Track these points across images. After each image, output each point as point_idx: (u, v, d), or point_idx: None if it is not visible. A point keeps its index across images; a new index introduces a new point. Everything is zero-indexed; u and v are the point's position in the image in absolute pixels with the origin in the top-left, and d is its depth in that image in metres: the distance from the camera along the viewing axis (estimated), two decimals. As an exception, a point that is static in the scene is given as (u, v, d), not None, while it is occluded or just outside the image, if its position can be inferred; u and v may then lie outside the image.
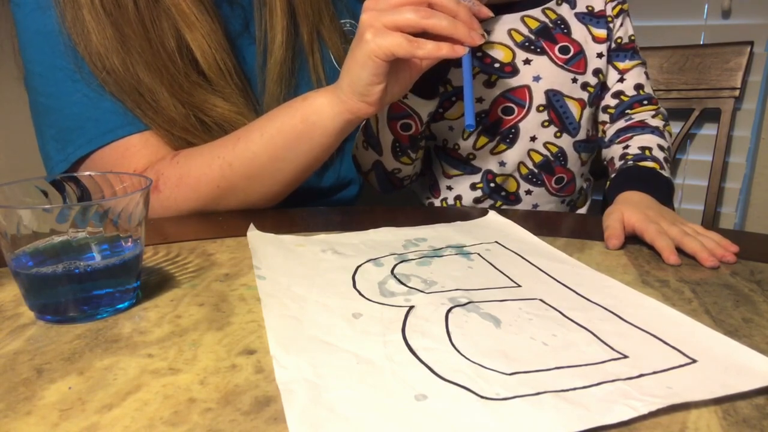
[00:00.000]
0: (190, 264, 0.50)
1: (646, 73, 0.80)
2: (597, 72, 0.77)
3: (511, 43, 0.74)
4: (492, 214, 0.65)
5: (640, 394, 0.31)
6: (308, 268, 0.49)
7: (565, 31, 0.76)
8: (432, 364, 0.34)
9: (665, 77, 1.07)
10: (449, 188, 0.82)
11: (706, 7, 1.10)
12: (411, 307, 0.41)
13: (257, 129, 0.63)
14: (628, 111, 0.78)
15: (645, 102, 0.78)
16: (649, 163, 0.69)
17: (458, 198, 0.82)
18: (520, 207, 0.80)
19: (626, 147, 0.74)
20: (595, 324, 0.39)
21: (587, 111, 0.78)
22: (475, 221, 0.64)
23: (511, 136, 0.76)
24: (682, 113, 1.07)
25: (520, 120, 0.76)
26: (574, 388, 0.31)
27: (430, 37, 0.57)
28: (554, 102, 0.75)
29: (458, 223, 0.63)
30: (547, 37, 0.75)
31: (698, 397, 0.31)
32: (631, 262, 0.52)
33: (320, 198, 0.81)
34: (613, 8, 0.77)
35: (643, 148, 0.72)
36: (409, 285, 0.46)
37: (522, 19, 0.75)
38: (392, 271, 0.48)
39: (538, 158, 0.78)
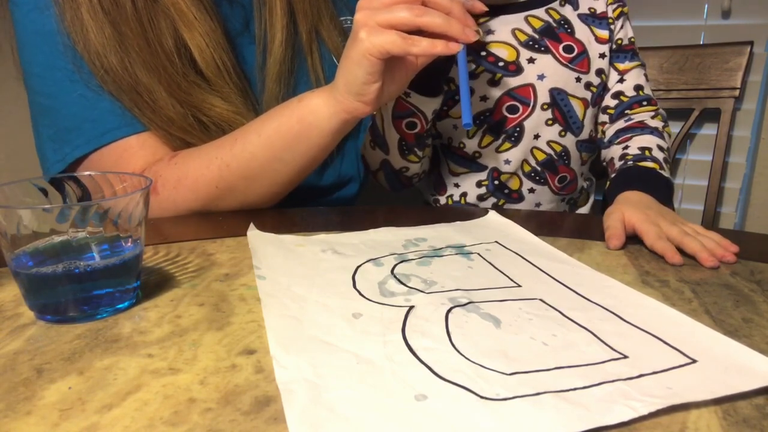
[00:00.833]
0: (190, 264, 0.50)
1: (645, 75, 0.80)
2: (600, 72, 0.77)
3: (515, 42, 0.75)
4: (492, 214, 0.65)
5: (640, 395, 0.31)
6: (308, 268, 0.49)
7: (569, 30, 0.76)
8: (432, 364, 0.34)
9: (665, 77, 1.07)
10: (456, 185, 0.82)
11: (706, 7, 1.10)
12: (411, 307, 0.41)
13: (255, 130, 0.64)
14: (627, 111, 0.78)
15: (644, 103, 0.78)
16: (649, 164, 0.70)
17: (464, 195, 0.82)
18: (522, 205, 0.81)
19: (626, 147, 0.74)
20: (595, 324, 0.39)
21: (590, 110, 0.78)
22: (475, 221, 0.64)
23: (516, 134, 0.77)
24: (682, 113, 1.07)
25: (524, 118, 0.76)
26: (574, 389, 0.31)
27: (425, 35, 0.57)
28: (558, 101, 0.76)
29: (458, 223, 0.63)
30: (551, 36, 0.76)
31: (698, 397, 0.31)
32: (631, 262, 0.52)
33: (320, 196, 0.81)
34: (614, 10, 0.78)
35: (642, 149, 0.72)
36: (409, 285, 0.46)
37: (526, 18, 0.76)
38: (392, 271, 0.48)
39: (541, 156, 0.78)
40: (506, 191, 0.80)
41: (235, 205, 0.67)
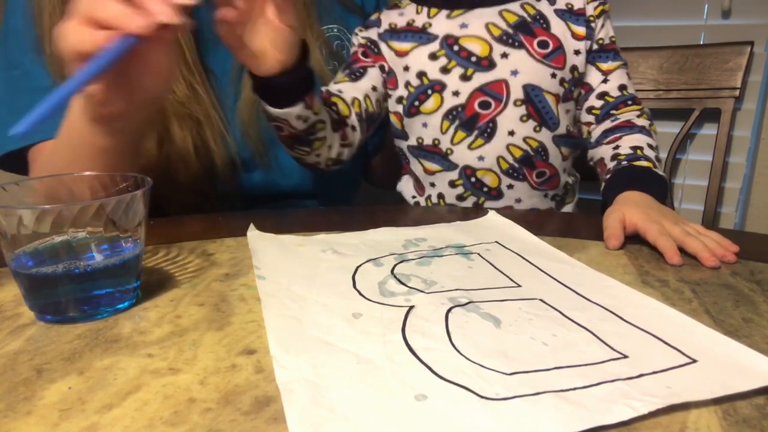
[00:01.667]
0: (190, 264, 0.50)
1: (627, 74, 0.80)
2: (573, 69, 0.77)
3: (488, 37, 0.74)
4: (492, 214, 0.65)
5: (640, 394, 0.31)
6: (308, 268, 0.49)
7: (545, 26, 0.76)
8: (432, 364, 0.34)
9: (665, 77, 1.07)
10: (432, 185, 0.81)
11: (706, 7, 1.10)
12: (411, 307, 0.41)
13: (55, 142, 0.61)
14: (613, 111, 0.78)
15: (629, 102, 0.78)
16: (643, 163, 0.70)
17: (441, 196, 0.81)
18: (502, 202, 0.80)
19: (617, 147, 0.74)
20: (595, 324, 0.39)
21: (562, 105, 0.77)
22: (475, 221, 0.64)
23: (488, 130, 0.76)
24: (682, 113, 1.07)
25: (497, 114, 0.75)
26: (574, 388, 0.31)
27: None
28: (533, 96, 0.75)
29: (458, 223, 0.63)
30: (526, 31, 0.75)
31: (698, 397, 0.31)
32: (631, 262, 0.52)
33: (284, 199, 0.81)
34: (595, 8, 0.77)
35: (634, 148, 0.72)
36: (409, 285, 0.46)
37: (500, 13, 0.75)
38: (392, 271, 0.48)
39: (518, 153, 0.77)
40: (485, 189, 0.79)
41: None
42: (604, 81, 0.78)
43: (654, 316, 0.40)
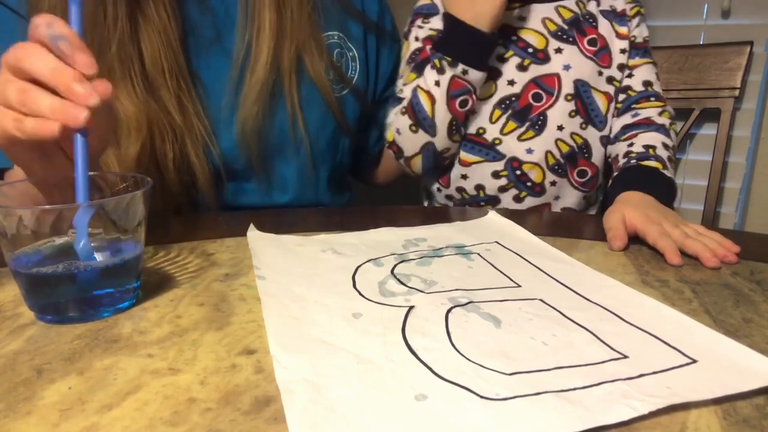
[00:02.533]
0: (190, 264, 0.50)
1: (656, 74, 0.80)
2: (622, 67, 0.79)
3: (545, 31, 0.76)
4: (492, 214, 0.65)
5: (640, 394, 0.31)
6: (308, 268, 0.49)
7: (594, 24, 0.78)
8: (432, 364, 0.34)
9: (665, 77, 1.07)
10: (464, 177, 0.81)
11: (706, 7, 1.10)
12: (411, 307, 0.41)
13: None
14: (634, 106, 0.78)
15: (652, 98, 0.78)
16: (652, 163, 0.69)
17: (480, 188, 0.81)
18: (543, 199, 0.80)
19: (631, 145, 0.74)
20: (595, 324, 0.39)
21: (613, 105, 0.79)
22: (475, 221, 0.64)
23: (539, 123, 0.77)
24: (682, 113, 1.07)
25: (548, 108, 0.77)
26: (574, 388, 0.31)
27: None
28: (582, 92, 0.77)
29: (458, 223, 0.63)
30: (578, 29, 0.77)
31: (698, 397, 0.31)
32: (631, 262, 0.52)
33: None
34: (631, 9, 0.80)
35: (647, 147, 0.72)
36: (409, 285, 0.46)
37: (556, 8, 0.77)
38: (392, 271, 0.48)
39: (565, 149, 0.78)
40: (529, 183, 0.79)
41: None
42: (629, 75, 0.79)
43: (654, 316, 0.40)
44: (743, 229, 1.16)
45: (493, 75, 0.76)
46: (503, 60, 0.76)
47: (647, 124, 0.75)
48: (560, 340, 0.37)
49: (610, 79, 0.78)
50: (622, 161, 0.73)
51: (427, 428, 0.28)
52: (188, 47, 0.70)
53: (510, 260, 0.51)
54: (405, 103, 0.77)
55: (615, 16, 0.79)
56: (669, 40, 1.10)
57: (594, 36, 0.77)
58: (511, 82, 0.76)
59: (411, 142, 0.79)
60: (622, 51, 0.78)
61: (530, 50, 0.76)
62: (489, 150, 0.79)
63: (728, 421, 0.29)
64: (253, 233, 0.57)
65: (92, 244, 0.40)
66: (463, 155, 0.80)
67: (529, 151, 0.77)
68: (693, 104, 1.06)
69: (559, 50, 0.76)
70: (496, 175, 0.79)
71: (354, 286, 0.45)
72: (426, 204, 0.91)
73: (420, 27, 0.81)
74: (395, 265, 0.50)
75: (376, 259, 0.51)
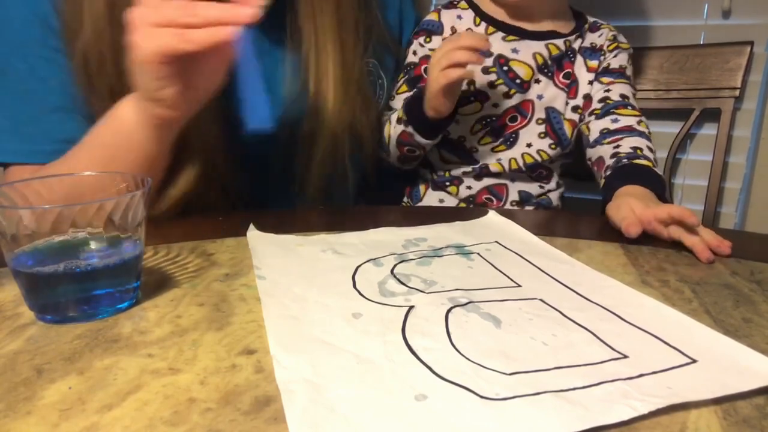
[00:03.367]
0: (190, 264, 0.50)
1: (633, 94, 0.85)
2: (587, 96, 0.85)
3: (533, 64, 0.83)
4: (492, 214, 0.65)
5: (640, 394, 0.31)
6: (308, 268, 0.49)
7: (572, 60, 0.85)
8: (432, 364, 0.34)
9: (665, 77, 1.06)
10: (442, 169, 0.88)
11: (706, 7, 1.10)
12: (411, 307, 0.41)
13: (82, 145, 0.59)
14: (613, 110, 0.81)
15: (629, 107, 0.82)
16: (643, 161, 0.72)
17: (448, 170, 0.87)
18: (500, 179, 0.86)
19: (617, 147, 0.77)
20: (595, 324, 0.39)
21: (576, 130, 0.86)
22: (475, 221, 0.64)
23: (511, 140, 0.85)
24: (682, 113, 1.07)
25: (521, 128, 0.84)
26: (574, 388, 0.31)
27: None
28: (552, 118, 0.84)
29: (458, 223, 0.63)
30: (558, 64, 0.84)
31: (698, 397, 0.31)
32: (631, 262, 0.52)
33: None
34: (609, 45, 0.86)
35: (634, 148, 0.75)
36: (409, 285, 0.46)
37: (546, 45, 0.84)
38: (392, 271, 0.48)
39: (530, 160, 0.85)
40: (489, 173, 0.86)
41: None
42: (606, 90, 0.84)
43: (654, 316, 0.40)
44: (743, 229, 1.16)
45: (481, 98, 0.83)
46: (493, 86, 0.82)
47: (629, 131, 0.79)
48: (560, 340, 0.37)
49: (575, 108, 0.85)
50: (610, 161, 0.75)
51: (427, 428, 0.28)
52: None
53: (510, 260, 0.51)
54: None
55: (592, 52, 0.85)
56: (669, 40, 1.09)
57: (569, 70, 0.85)
58: (495, 105, 0.83)
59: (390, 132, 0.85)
60: (590, 82, 0.85)
61: (518, 81, 0.82)
62: (467, 155, 0.86)
63: (728, 421, 0.29)
64: (253, 233, 0.57)
65: (91, 243, 0.40)
66: (445, 154, 0.87)
67: (498, 160, 0.85)
68: (693, 104, 1.06)
69: (537, 80, 0.83)
70: (465, 173, 0.86)
71: (354, 286, 0.45)
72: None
73: (421, 45, 0.87)
74: (395, 265, 0.50)
75: (376, 259, 0.51)
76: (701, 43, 1.10)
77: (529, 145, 0.85)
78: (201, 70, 0.54)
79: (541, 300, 0.43)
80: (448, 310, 0.41)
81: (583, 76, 0.85)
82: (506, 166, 0.85)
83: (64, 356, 0.35)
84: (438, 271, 0.48)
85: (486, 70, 0.82)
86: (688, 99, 1.06)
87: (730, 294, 0.45)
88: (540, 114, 0.84)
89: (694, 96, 1.06)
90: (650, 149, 0.76)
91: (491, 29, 0.84)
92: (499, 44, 0.83)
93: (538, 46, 0.83)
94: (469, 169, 0.85)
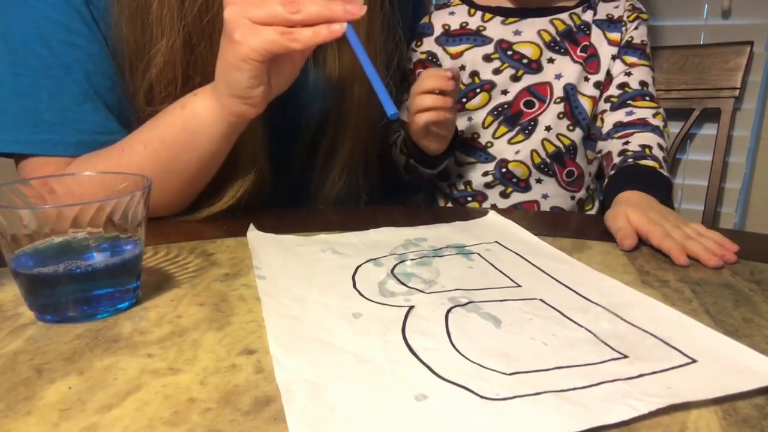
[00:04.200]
0: (190, 264, 0.50)
1: (653, 77, 0.81)
2: (609, 73, 0.80)
3: (540, 42, 0.79)
4: (492, 214, 0.65)
5: (640, 394, 0.31)
6: (308, 268, 0.49)
7: (587, 33, 0.81)
8: (432, 364, 0.34)
9: (665, 77, 1.06)
10: (459, 176, 0.84)
11: (706, 7, 1.10)
12: (411, 307, 0.41)
13: (141, 140, 0.59)
14: (630, 102, 0.78)
15: (647, 98, 0.79)
16: (649, 162, 0.69)
17: (468, 183, 0.83)
18: (529, 195, 0.82)
19: (626, 143, 0.74)
20: (595, 324, 0.39)
21: (598, 108, 0.81)
22: (475, 221, 0.64)
23: (529, 128, 0.80)
24: (682, 113, 1.07)
25: (539, 114, 0.80)
26: (574, 388, 0.31)
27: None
28: (570, 96, 0.79)
29: (458, 223, 0.63)
30: (571, 39, 0.80)
31: (698, 397, 0.31)
32: (631, 262, 0.52)
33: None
34: (629, 15, 0.81)
35: (643, 146, 0.72)
36: (409, 285, 0.46)
37: (551, 21, 0.80)
38: (392, 271, 0.48)
39: (551, 148, 0.80)
40: (514, 180, 0.81)
41: None
42: (627, 74, 0.80)
43: (654, 316, 0.40)
44: (743, 229, 1.16)
45: (488, 87, 0.80)
46: (498, 72, 0.80)
47: (642, 125, 0.76)
48: (560, 340, 0.37)
49: (598, 84, 0.80)
50: (617, 159, 0.73)
51: (427, 428, 0.28)
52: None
53: (510, 260, 0.51)
54: None
55: (609, 23, 0.81)
56: (669, 40, 1.09)
57: (586, 43, 0.80)
58: (505, 92, 0.80)
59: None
60: (613, 57, 0.80)
61: (525, 61, 0.79)
62: (482, 152, 0.82)
63: (728, 421, 0.29)
64: (253, 233, 0.57)
65: (91, 243, 0.40)
66: (459, 156, 0.83)
67: (517, 152, 0.80)
68: (693, 104, 1.06)
69: (551, 60, 0.79)
70: (485, 173, 0.82)
71: (354, 286, 0.45)
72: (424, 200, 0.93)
73: (413, 50, 0.86)
74: (395, 265, 0.50)
75: (376, 259, 0.51)
76: (701, 43, 1.10)
77: (548, 129, 0.80)
78: (281, 69, 0.55)
79: (541, 300, 0.43)
80: (448, 310, 0.41)
81: (605, 49, 0.80)
82: (528, 163, 0.80)
83: (64, 356, 0.35)
84: (438, 271, 0.48)
85: (488, 57, 0.80)
86: (688, 99, 1.06)
87: (730, 294, 0.45)
88: (559, 93, 0.79)
89: (694, 96, 1.05)
90: (660, 147, 0.73)
91: (488, 15, 0.82)
92: (499, 29, 0.80)
93: (542, 23, 0.80)
94: (489, 167, 0.81)
